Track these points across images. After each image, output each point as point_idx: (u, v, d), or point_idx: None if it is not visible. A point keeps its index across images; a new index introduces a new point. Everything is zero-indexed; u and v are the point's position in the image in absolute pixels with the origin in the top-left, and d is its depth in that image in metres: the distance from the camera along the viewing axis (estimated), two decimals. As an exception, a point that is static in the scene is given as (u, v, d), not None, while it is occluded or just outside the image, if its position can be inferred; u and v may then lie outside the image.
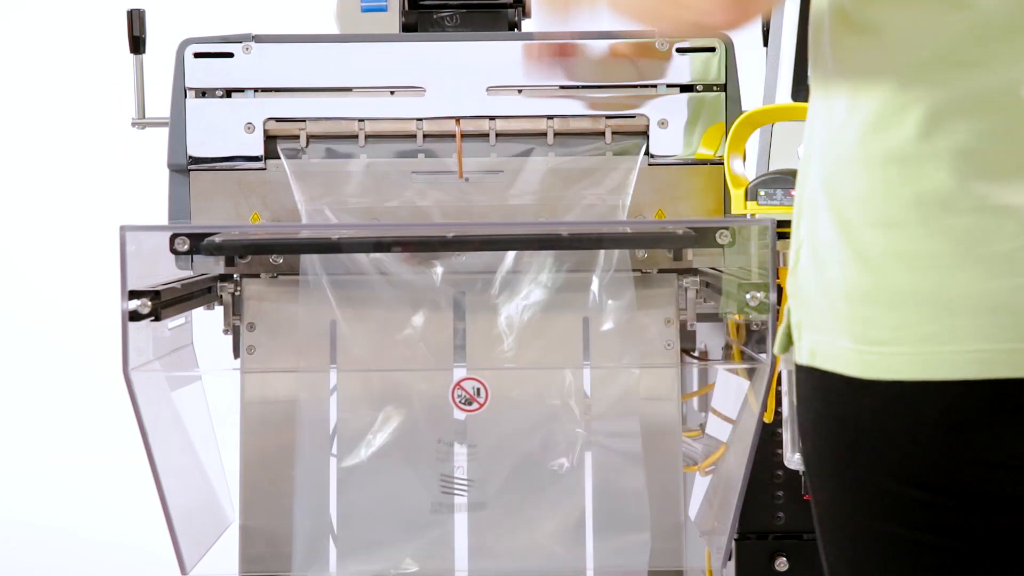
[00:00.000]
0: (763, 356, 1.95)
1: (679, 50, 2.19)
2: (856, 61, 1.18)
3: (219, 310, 2.15)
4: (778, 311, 1.81)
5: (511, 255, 2.10)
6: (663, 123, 2.20)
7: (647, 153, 2.21)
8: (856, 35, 1.18)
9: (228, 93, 2.21)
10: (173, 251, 1.96)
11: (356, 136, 2.20)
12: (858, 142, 1.16)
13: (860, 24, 1.17)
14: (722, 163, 2.17)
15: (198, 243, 1.94)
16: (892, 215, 1.13)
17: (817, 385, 1.19)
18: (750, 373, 2.04)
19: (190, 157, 2.20)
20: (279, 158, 2.20)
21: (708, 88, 2.21)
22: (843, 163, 1.17)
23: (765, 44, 2.60)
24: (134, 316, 1.84)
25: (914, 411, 1.13)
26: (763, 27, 2.58)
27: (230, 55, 2.20)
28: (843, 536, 1.21)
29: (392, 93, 2.22)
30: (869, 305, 1.14)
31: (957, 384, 1.11)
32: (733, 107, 2.20)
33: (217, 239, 1.95)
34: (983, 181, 1.11)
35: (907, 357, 1.12)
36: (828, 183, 1.19)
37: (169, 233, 1.98)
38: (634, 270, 2.12)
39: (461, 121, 2.20)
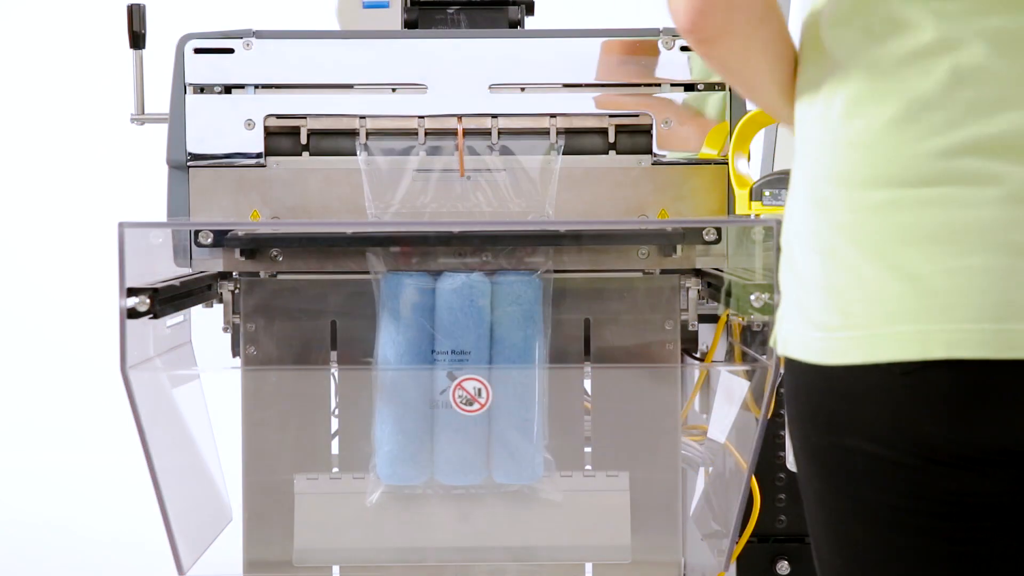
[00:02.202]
0: (765, 357, 1.94)
1: (683, 48, 2.18)
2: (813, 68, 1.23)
3: (217, 308, 2.14)
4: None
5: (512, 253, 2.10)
6: (667, 122, 2.19)
7: (650, 152, 2.20)
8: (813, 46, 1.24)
9: (228, 89, 2.20)
10: (197, 244, 2.01)
11: (357, 133, 2.19)
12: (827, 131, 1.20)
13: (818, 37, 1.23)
14: (726, 163, 2.16)
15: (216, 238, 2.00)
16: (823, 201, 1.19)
17: (787, 369, 1.24)
18: (752, 374, 2.04)
19: (189, 154, 2.19)
20: (278, 155, 2.19)
21: (712, 87, 2.20)
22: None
23: (770, 43, 2.58)
24: (132, 313, 1.83)
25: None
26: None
27: (230, 51, 2.19)
28: (823, 508, 1.23)
29: (394, 90, 2.21)
30: (816, 292, 1.18)
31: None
32: (737, 106, 2.19)
33: (240, 232, 1.98)
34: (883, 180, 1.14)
35: (845, 342, 1.16)
36: (798, 175, 1.23)
37: (168, 230, 1.98)
38: (636, 270, 2.12)
39: (463, 119, 2.19)
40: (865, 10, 1.18)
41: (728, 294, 1.94)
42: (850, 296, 1.15)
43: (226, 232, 2.01)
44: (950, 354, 1.10)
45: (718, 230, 2.02)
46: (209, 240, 1.99)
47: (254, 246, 2.06)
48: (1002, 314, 1.09)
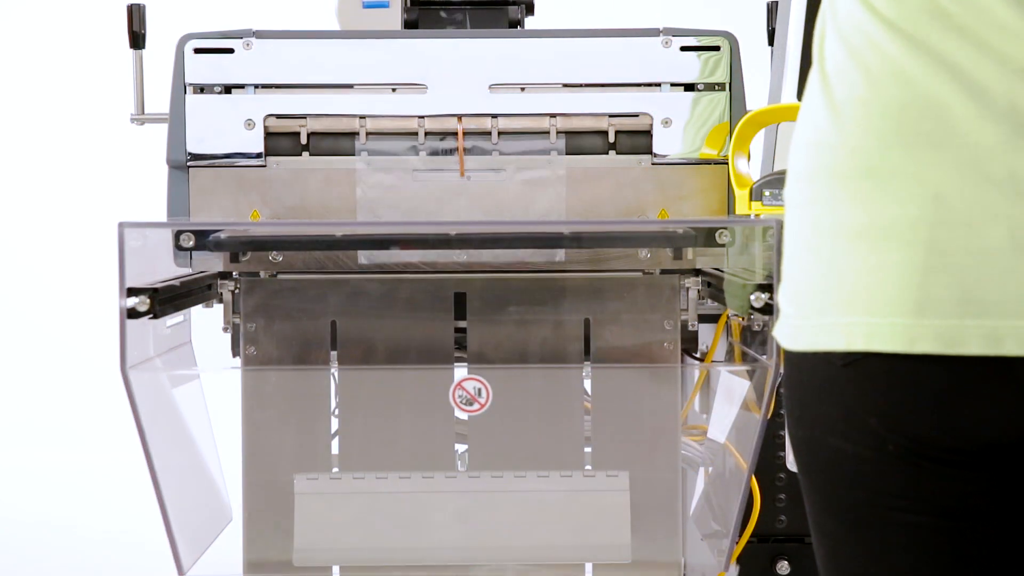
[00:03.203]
0: (765, 357, 1.94)
1: (683, 48, 2.18)
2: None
3: (217, 308, 2.14)
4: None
5: (512, 254, 2.09)
6: (667, 122, 2.19)
7: (650, 152, 2.20)
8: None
9: (228, 89, 2.20)
10: (178, 247, 1.97)
11: (357, 133, 2.19)
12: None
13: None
14: (726, 163, 2.16)
15: (201, 240, 1.95)
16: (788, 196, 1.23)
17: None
18: (752, 374, 2.04)
19: (189, 154, 2.19)
20: (278, 155, 2.19)
21: (712, 87, 2.20)
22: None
23: (770, 43, 2.59)
24: (132, 313, 1.83)
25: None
26: (768, 26, 2.57)
27: (231, 51, 2.19)
28: (807, 498, 1.24)
29: (394, 90, 2.21)
30: (784, 281, 1.21)
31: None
32: (738, 106, 2.19)
33: (222, 235, 1.95)
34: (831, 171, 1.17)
35: (801, 329, 1.18)
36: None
37: (169, 230, 1.97)
38: (636, 270, 2.12)
39: (463, 119, 2.19)
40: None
41: (747, 302, 1.92)
42: (798, 286, 1.18)
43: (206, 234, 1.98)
44: (869, 346, 1.12)
45: (730, 231, 2.00)
46: (191, 243, 1.96)
47: (238, 248, 2.06)
48: (916, 309, 1.11)
